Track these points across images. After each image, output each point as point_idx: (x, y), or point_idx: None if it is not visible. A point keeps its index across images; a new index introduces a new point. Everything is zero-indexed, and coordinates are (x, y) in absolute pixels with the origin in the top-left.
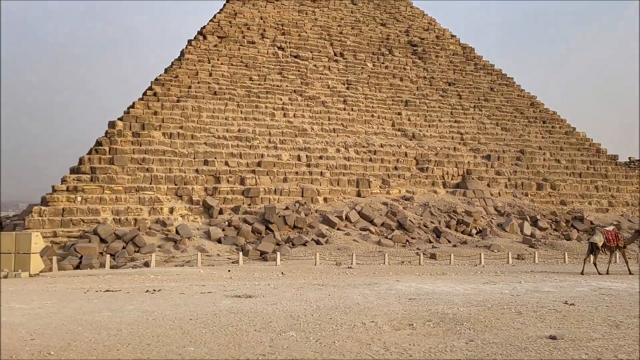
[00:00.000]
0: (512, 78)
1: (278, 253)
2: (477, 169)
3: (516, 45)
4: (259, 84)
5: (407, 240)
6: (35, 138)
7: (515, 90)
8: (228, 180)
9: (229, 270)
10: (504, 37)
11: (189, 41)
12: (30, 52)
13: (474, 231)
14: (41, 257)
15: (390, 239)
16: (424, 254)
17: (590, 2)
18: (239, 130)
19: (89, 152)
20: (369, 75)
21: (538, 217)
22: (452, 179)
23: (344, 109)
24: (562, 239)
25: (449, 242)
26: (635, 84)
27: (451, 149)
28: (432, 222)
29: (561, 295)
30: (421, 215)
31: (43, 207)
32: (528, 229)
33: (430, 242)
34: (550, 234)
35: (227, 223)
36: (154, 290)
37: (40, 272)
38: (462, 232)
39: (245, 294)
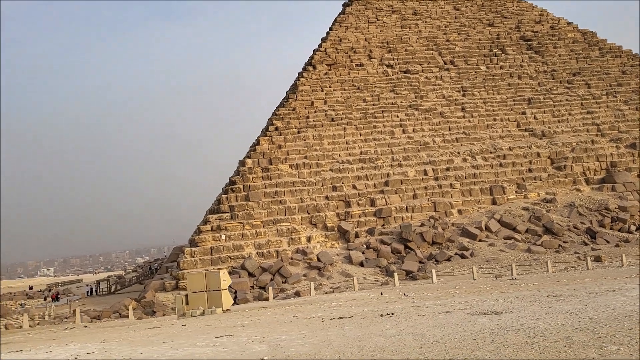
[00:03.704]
0: None
1: (433, 271)
2: (623, 160)
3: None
4: (374, 104)
5: (559, 245)
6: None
7: None
8: (358, 204)
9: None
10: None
11: (300, 73)
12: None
13: (632, 227)
14: None
15: (540, 245)
16: (586, 257)
17: None
18: (361, 153)
19: (225, 192)
20: (484, 79)
21: None
22: (595, 175)
23: (464, 117)
24: None
25: (608, 242)
26: None
27: (588, 143)
28: (582, 223)
29: None
30: (568, 217)
31: (193, 248)
32: None
33: (586, 244)
34: None
35: (365, 246)
36: (387, 314)
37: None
38: (620, 230)
39: (489, 311)
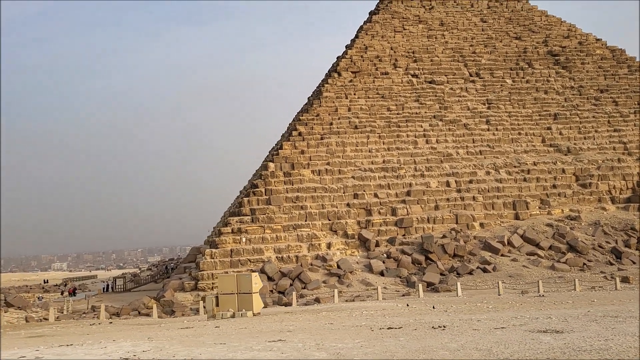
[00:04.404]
0: None
1: (458, 283)
2: None
3: None
4: (398, 113)
5: (584, 264)
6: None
7: None
8: (379, 212)
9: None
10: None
11: (325, 79)
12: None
13: None
14: None
15: (564, 262)
16: (613, 277)
17: None
18: (383, 161)
19: (247, 195)
20: (509, 92)
21: None
22: (620, 194)
23: (488, 129)
24: None
25: (634, 263)
26: None
27: (615, 161)
28: (607, 243)
29: None
30: (593, 235)
31: (213, 250)
32: None
33: (611, 263)
34: None
35: (385, 255)
36: (439, 327)
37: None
38: None
39: (547, 329)
